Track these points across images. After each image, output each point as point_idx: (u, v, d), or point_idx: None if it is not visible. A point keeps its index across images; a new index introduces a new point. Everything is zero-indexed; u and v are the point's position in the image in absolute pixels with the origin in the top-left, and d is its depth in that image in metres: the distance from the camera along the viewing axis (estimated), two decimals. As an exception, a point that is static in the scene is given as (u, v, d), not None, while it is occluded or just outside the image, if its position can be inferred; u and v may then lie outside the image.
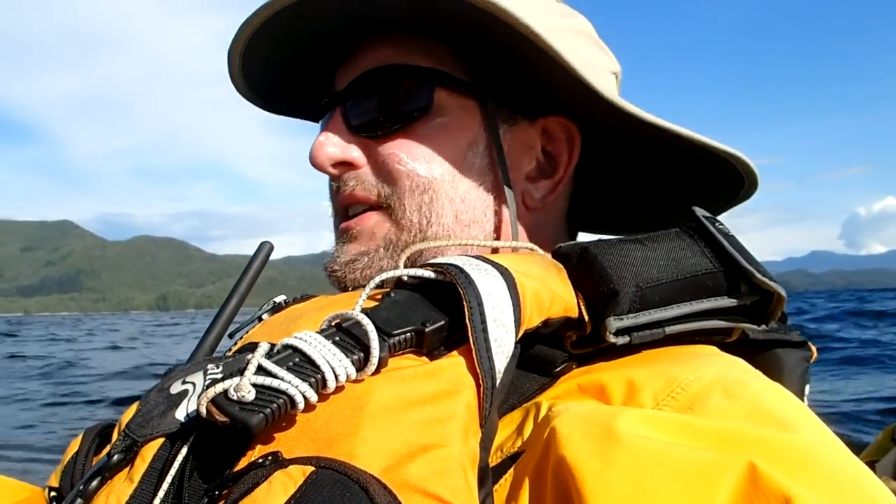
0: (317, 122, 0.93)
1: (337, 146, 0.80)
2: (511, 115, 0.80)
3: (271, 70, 0.88)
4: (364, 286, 0.78)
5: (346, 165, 0.81)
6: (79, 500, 0.54)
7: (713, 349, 0.64)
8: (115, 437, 0.59)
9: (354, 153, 0.80)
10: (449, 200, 0.78)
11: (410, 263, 0.74)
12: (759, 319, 0.65)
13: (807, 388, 0.74)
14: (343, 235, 0.82)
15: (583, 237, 0.93)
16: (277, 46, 0.82)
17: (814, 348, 0.75)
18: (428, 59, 0.78)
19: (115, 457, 0.55)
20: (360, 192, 0.80)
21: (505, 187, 0.79)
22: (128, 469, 0.55)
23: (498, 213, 0.80)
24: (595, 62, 0.82)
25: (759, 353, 0.71)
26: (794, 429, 0.50)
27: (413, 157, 0.77)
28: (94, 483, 0.55)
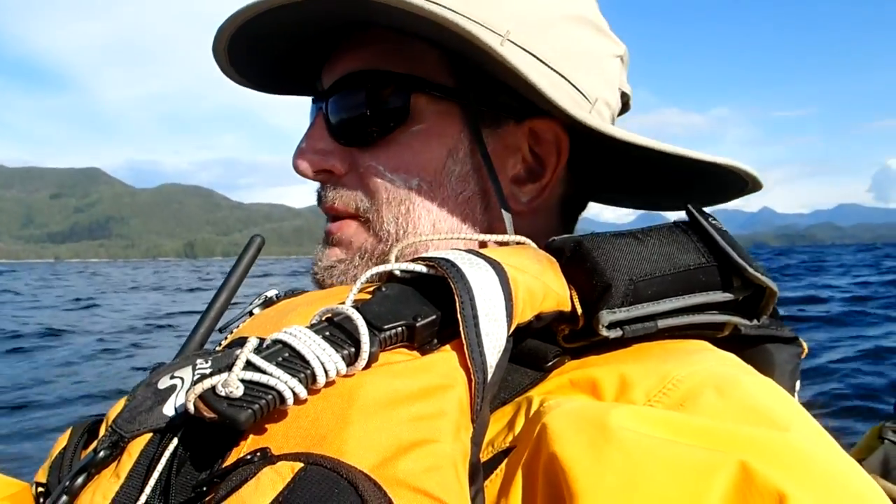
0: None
1: (318, 153, 0.79)
2: (495, 117, 0.78)
3: (262, 62, 0.87)
4: None
5: (328, 173, 0.80)
6: (64, 496, 0.54)
7: (705, 344, 0.64)
8: (101, 432, 0.59)
9: (335, 162, 0.79)
10: (426, 210, 0.76)
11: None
12: (751, 314, 0.64)
13: (797, 384, 0.74)
14: (326, 238, 0.83)
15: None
16: (263, 42, 0.81)
17: (804, 344, 0.75)
18: (406, 63, 0.76)
19: (102, 452, 0.55)
20: (339, 206, 0.79)
21: (489, 193, 0.77)
22: (114, 465, 0.54)
23: (480, 221, 0.79)
24: (593, 48, 0.80)
25: (750, 349, 0.71)
26: (785, 427, 0.49)
27: (390, 168, 0.76)
28: (80, 479, 0.55)
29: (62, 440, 0.70)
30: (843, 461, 0.49)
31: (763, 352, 0.72)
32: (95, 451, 0.55)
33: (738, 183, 0.81)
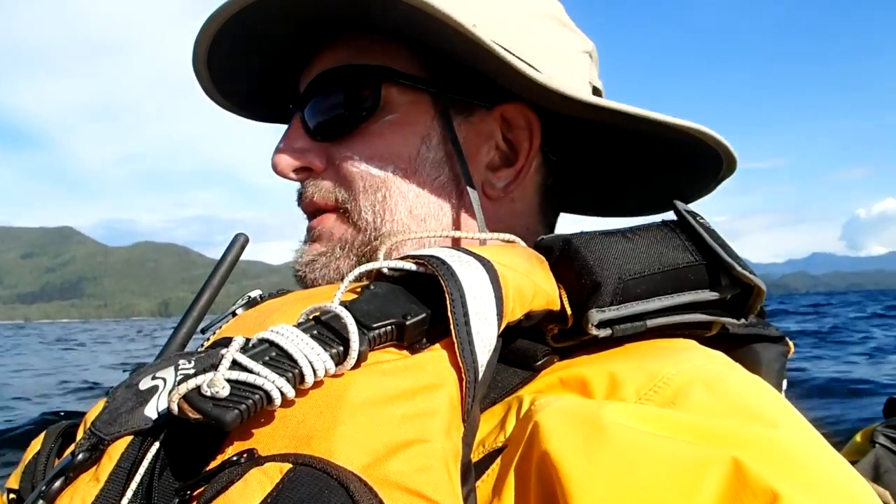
0: None
1: (295, 152, 0.81)
2: (467, 105, 0.80)
3: (245, 79, 0.89)
4: (323, 285, 0.78)
5: (306, 171, 0.82)
6: (41, 501, 0.52)
7: (693, 343, 0.64)
8: (79, 435, 0.57)
9: (313, 158, 0.81)
10: (402, 197, 0.78)
11: (368, 259, 0.76)
12: (739, 314, 0.65)
13: (784, 382, 0.74)
14: (307, 234, 0.83)
15: (560, 228, 0.92)
16: (241, 56, 0.83)
17: (791, 343, 0.75)
18: (378, 58, 0.78)
19: (80, 456, 0.53)
20: (319, 200, 0.81)
21: (462, 179, 0.78)
22: (94, 469, 0.52)
23: (455, 206, 0.80)
24: (559, 44, 0.82)
25: (737, 348, 0.71)
26: (776, 424, 0.49)
27: (365, 157, 0.78)
28: (58, 483, 0.53)
29: (35, 444, 0.68)
30: (832, 458, 0.49)
31: (750, 351, 0.72)
32: (73, 454, 0.53)
33: (711, 165, 0.83)
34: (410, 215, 0.78)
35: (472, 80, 0.79)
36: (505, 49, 0.74)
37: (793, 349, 0.75)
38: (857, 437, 2.15)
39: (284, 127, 0.85)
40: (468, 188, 0.77)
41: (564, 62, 0.82)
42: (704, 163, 0.83)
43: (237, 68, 0.86)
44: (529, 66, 0.76)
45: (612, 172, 0.95)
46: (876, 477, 1.77)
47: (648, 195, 0.99)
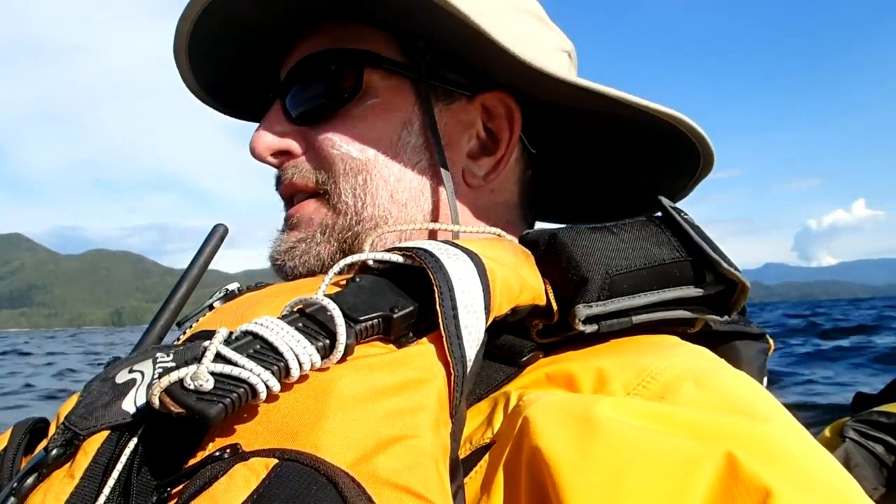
0: None
1: (274, 136, 0.80)
2: (448, 92, 0.80)
3: (225, 71, 0.88)
4: (303, 275, 0.76)
5: (286, 155, 0.81)
6: (12, 498, 0.49)
7: (679, 339, 0.64)
8: (52, 430, 0.55)
9: (292, 142, 0.80)
10: (383, 181, 0.77)
11: (348, 249, 0.76)
12: (722, 310, 0.65)
13: (764, 380, 0.74)
14: (286, 223, 0.82)
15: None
16: (222, 45, 0.82)
17: (771, 341, 0.76)
18: (359, 42, 0.78)
19: (54, 451, 0.51)
20: (298, 181, 0.80)
21: (441, 166, 0.78)
22: (68, 465, 0.50)
23: (436, 191, 0.79)
24: (538, 39, 0.83)
25: (719, 345, 0.71)
26: (766, 418, 0.49)
27: (346, 140, 0.77)
28: (30, 480, 0.50)
29: (1, 440, 0.64)
30: (821, 454, 0.49)
31: (731, 348, 0.72)
32: (46, 449, 0.51)
33: (688, 162, 0.84)
34: (392, 199, 0.77)
35: (453, 67, 0.79)
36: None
37: (773, 346, 0.76)
38: (827, 432, 2.19)
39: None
40: (445, 175, 0.77)
41: (544, 57, 0.82)
42: (681, 158, 0.84)
43: (215, 56, 0.85)
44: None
45: (590, 170, 0.95)
46: (847, 471, 1.81)
47: (627, 197, 0.99)
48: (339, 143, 0.77)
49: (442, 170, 0.77)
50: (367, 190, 0.77)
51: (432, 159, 0.79)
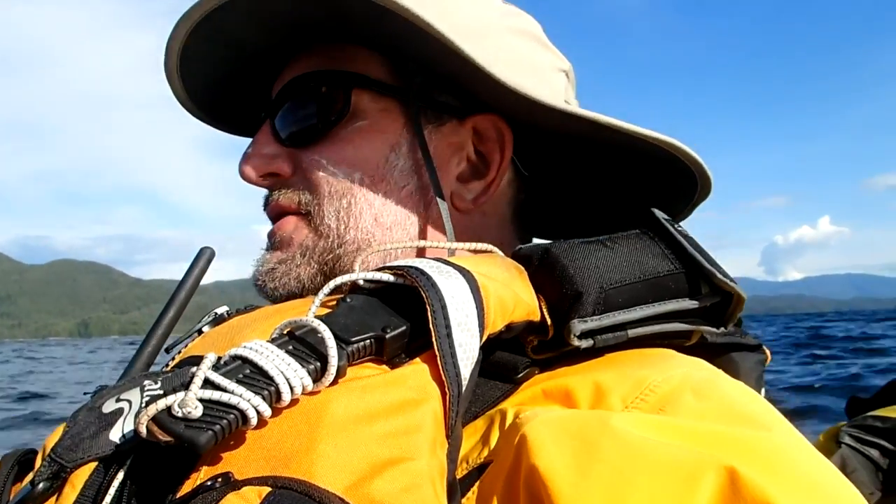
0: None
1: (263, 158, 0.79)
2: (438, 115, 0.79)
3: (217, 90, 0.87)
4: (284, 296, 0.75)
5: (274, 177, 0.80)
6: None
7: (676, 352, 0.63)
8: (38, 462, 0.53)
9: (281, 164, 0.79)
10: (368, 204, 0.76)
11: (329, 271, 0.75)
12: (718, 322, 0.65)
13: (762, 390, 0.74)
14: (268, 242, 0.81)
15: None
16: (212, 64, 0.82)
17: (768, 352, 0.76)
18: (349, 64, 0.78)
19: (41, 485, 0.50)
20: (283, 202, 0.79)
21: (431, 189, 0.77)
22: (55, 498, 0.49)
23: (423, 216, 0.78)
24: (534, 60, 0.82)
25: (715, 357, 0.71)
26: (766, 427, 0.49)
27: (332, 163, 0.76)
28: None
29: None
30: (822, 463, 0.49)
31: (728, 360, 0.72)
32: (33, 482, 0.50)
33: (685, 189, 0.82)
34: (376, 223, 0.76)
35: (445, 88, 0.78)
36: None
37: (770, 357, 0.76)
38: (821, 438, 2.21)
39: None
40: (437, 198, 0.76)
41: (541, 79, 0.81)
42: (677, 182, 0.82)
43: (206, 74, 0.84)
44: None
45: (585, 193, 0.94)
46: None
47: (622, 217, 0.97)
48: (326, 166, 0.76)
49: (435, 195, 0.76)
50: (351, 213, 0.76)
51: (419, 182, 0.78)
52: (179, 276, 0.78)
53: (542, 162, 0.87)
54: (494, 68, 0.69)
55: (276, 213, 0.80)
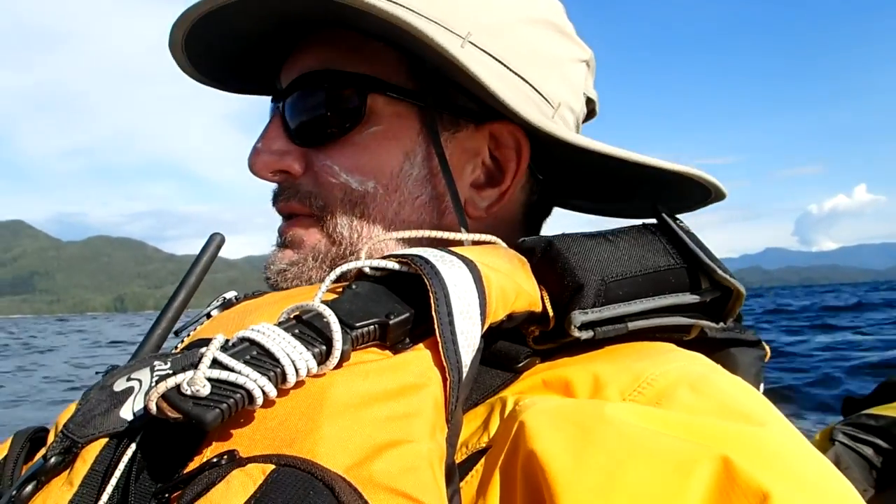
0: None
1: (274, 154, 0.77)
2: (455, 120, 0.76)
3: (220, 59, 0.84)
4: None
5: (284, 174, 0.78)
6: None
7: (675, 346, 0.64)
8: (51, 438, 0.55)
9: (291, 162, 0.77)
10: (381, 215, 0.75)
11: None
12: (718, 317, 0.65)
13: (761, 386, 0.74)
14: (279, 239, 0.80)
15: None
16: (221, 44, 0.79)
17: (767, 347, 0.76)
18: (364, 63, 0.75)
19: (53, 459, 0.51)
20: (294, 205, 0.78)
21: (446, 198, 0.76)
22: (67, 472, 0.51)
23: (436, 226, 0.77)
24: (553, 52, 0.79)
25: (714, 352, 0.71)
26: (761, 422, 0.50)
27: (346, 170, 0.75)
28: (29, 488, 0.51)
29: (2, 449, 0.65)
30: (816, 457, 0.50)
31: (727, 355, 0.72)
32: (45, 457, 0.51)
33: (701, 192, 0.80)
34: (388, 233, 0.74)
35: (462, 93, 0.75)
36: (499, 61, 0.72)
37: (769, 352, 0.76)
38: (817, 436, 2.22)
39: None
40: (452, 208, 0.74)
41: (560, 73, 0.79)
42: (691, 192, 0.81)
43: (215, 52, 0.82)
44: (527, 82, 0.75)
45: (597, 191, 0.93)
46: None
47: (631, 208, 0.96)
48: (339, 172, 0.75)
49: (451, 204, 0.75)
50: (364, 224, 0.75)
51: (434, 192, 0.76)
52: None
53: (555, 165, 0.84)
54: (498, 89, 0.67)
55: (286, 213, 0.80)
